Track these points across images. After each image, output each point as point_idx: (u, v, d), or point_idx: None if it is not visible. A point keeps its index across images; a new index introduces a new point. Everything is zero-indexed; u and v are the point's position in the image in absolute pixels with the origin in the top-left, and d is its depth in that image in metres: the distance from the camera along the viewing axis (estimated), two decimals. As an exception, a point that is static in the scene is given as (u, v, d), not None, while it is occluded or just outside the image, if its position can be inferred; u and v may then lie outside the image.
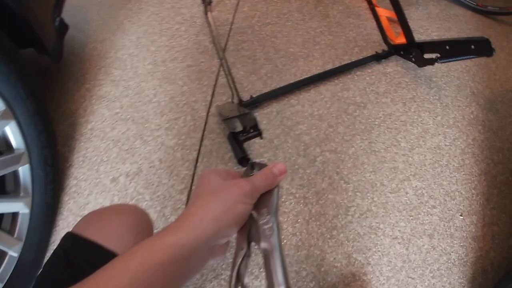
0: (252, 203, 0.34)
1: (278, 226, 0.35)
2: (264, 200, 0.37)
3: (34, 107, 0.74)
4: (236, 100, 0.96)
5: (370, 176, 1.01)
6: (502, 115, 1.21)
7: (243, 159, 0.62)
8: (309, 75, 1.16)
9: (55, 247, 0.85)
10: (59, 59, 0.96)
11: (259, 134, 0.63)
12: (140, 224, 0.48)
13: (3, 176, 0.72)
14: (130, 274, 0.28)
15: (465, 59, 1.06)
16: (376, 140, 1.08)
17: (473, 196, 1.03)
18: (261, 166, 0.57)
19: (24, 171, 0.74)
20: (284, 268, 0.32)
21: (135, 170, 0.97)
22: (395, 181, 1.01)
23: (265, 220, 0.35)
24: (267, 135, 1.04)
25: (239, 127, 0.79)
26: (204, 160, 0.99)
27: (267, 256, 0.33)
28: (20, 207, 0.73)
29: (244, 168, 0.43)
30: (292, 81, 1.13)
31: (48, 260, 0.44)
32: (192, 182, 0.95)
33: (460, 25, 1.48)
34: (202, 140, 1.02)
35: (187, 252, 0.30)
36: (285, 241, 0.89)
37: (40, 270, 0.45)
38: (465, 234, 0.96)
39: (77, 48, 1.25)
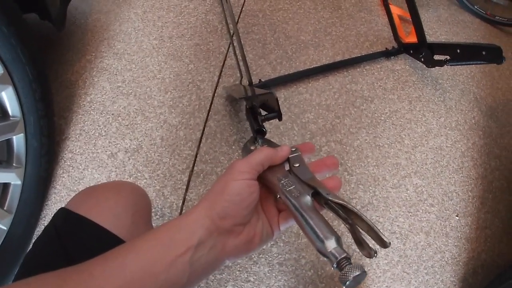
0: (249, 178, 0.32)
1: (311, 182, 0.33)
2: (276, 169, 0.35)
3: (33, 73, 0.70)
4: (245, 82, 0.93)
5: (373, 170, 1.01)
6: (502, 123, 1.23)
7: (259, 131, 0.59)
8: (318, 64, 1.15)
9: (46, 222, 0.80)
10: (62, 27, 0.91)
11: (278, 115, 0.60)
12: (139, 204, 0.46)
13: (-4, 144, 0.68)
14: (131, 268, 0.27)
15: (474, 64, 1.07)
16: (381, 135, 1.08)
17: (469, 199, 1.04)
18: (265, 141, 0.55)
19: (18, 140, 0.70)
20: (325, 220, 0.30)
21: (135, 146, 0.94)
22: (397, 177, 1.02)
23: (283, 182, 0.33)
24: (273, 120, 1.02)
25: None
26: (208, 141, 0.96)
27: (302, 214, 0.31)
28: (12, 177, 0.69)
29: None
30: (301, 69, 1.11)
31: (38, 238, 0.41)
32: (194, 162, 0.93)
33: (468, 31, 1.49)
34: (206, 120, 1.00)
35: (184, 245, 0.28)
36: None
37: (30, 248, 0.41)
38: (459, 235, 0.98)
39: (79, 19, 1.19)
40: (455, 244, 0.96)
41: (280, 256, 0.85)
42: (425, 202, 1.00)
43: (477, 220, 1.02)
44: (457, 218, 1.00)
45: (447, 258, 0.93)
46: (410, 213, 0.97)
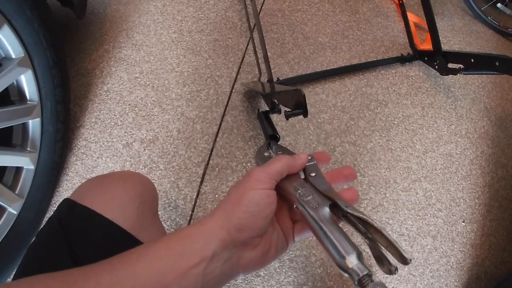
0: (267, 187, 0.30)
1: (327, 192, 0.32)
2: (292, 178, 0.34)
3: (53, 58, 0.70)
4: (264, 79, 0.94)
5: (385, 172, 1.03)
6: (510, 134, 1.25)
7: (273, 137, 0.60)
8: (335, 66, 1.16)
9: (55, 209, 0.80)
10: (83, 15, 0.91)
11: (304, 112, 0.61)
12: (145, 195, 0.44)
13: (11, 127, 0.68)
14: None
15: (487, 74, 1.09)
16: (393, 139, 1.10)
17: (476, 206, 1.06)
18: (279, 147, 0.55)
19: (34, 124, 0.70)
20: (345, 234, 0.29)
21: (151, 137, 0.95)
22: (408, 180, 1.03)
23: (300, 192, 0.32)
24: (290, 119, 1.03)
25: (269, 104, 0.78)
26: (224, 135, 0.98)
27: (321, 227, 0.29)
28: (25, 162, 0.69)
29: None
30: (318, 70, 1.13)
31: (42, 229, 0.41)
32: (210, 156, 0.94)
33: (480, 42, 1.51)
34: (224, 115, 1.01)
35: (198, 256, 0.27)
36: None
37: (33, 239, 0.41)
38: (465, 240, 0.99)
39: (98, 8, 1.20)
40: (461, 249, 0.98)
41: (290, 252, 0.86)
42: (434, 206, 1.01)
43: (483, 227, 1.03)
44: (464, 224, 1.02)
45: (452, 262, 0.95)
46: (419, 217, 0.99)
